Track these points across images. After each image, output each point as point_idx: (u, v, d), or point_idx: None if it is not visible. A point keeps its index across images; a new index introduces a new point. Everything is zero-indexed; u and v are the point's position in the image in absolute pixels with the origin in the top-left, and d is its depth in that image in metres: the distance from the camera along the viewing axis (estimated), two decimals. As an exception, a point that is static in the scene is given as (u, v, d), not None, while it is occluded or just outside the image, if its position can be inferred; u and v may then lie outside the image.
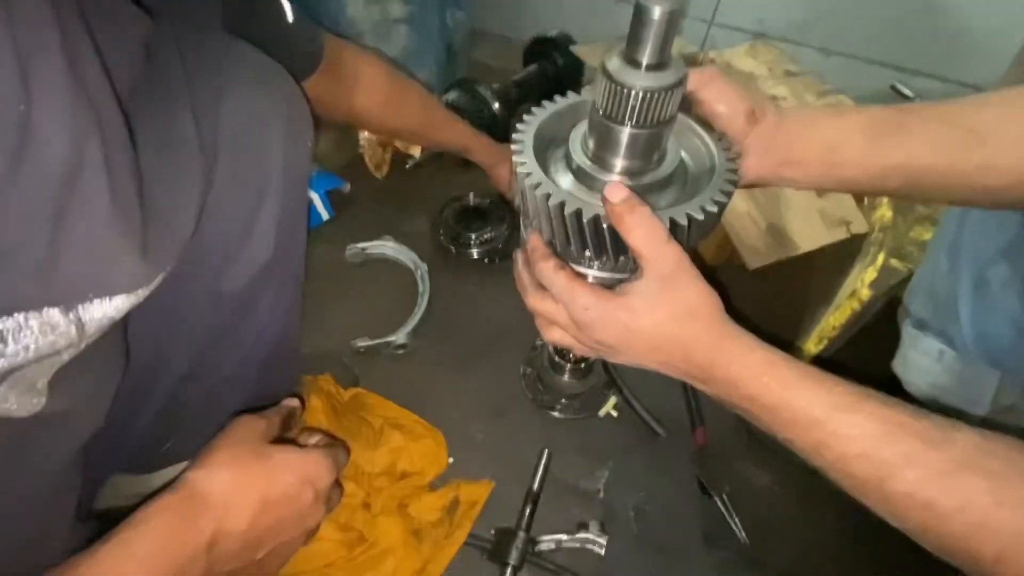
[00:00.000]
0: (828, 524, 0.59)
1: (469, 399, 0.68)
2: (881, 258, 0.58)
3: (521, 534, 0.55)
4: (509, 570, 0.53)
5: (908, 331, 0.55)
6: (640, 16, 0.30)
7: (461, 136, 0.75)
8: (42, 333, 0.26)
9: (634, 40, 0.32)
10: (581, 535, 0.55)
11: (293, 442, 0.45)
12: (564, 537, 0.55)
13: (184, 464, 0.54)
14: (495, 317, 0.76)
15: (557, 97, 0.42)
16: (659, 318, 0.33)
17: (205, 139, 0.34)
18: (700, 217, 0.34)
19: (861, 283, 0.57)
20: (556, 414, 0.67)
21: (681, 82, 0.33)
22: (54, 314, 0.26)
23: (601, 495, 0.60)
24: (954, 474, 0.25)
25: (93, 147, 0.24)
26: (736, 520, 0.57)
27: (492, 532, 0.56)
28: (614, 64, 0.33)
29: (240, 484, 0.37)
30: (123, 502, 0.54)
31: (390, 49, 0.94)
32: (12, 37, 0.21)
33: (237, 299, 0.43)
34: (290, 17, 0.47)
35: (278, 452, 0.40)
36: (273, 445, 0.41)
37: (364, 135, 0.88)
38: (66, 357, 0.28)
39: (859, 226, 0.65)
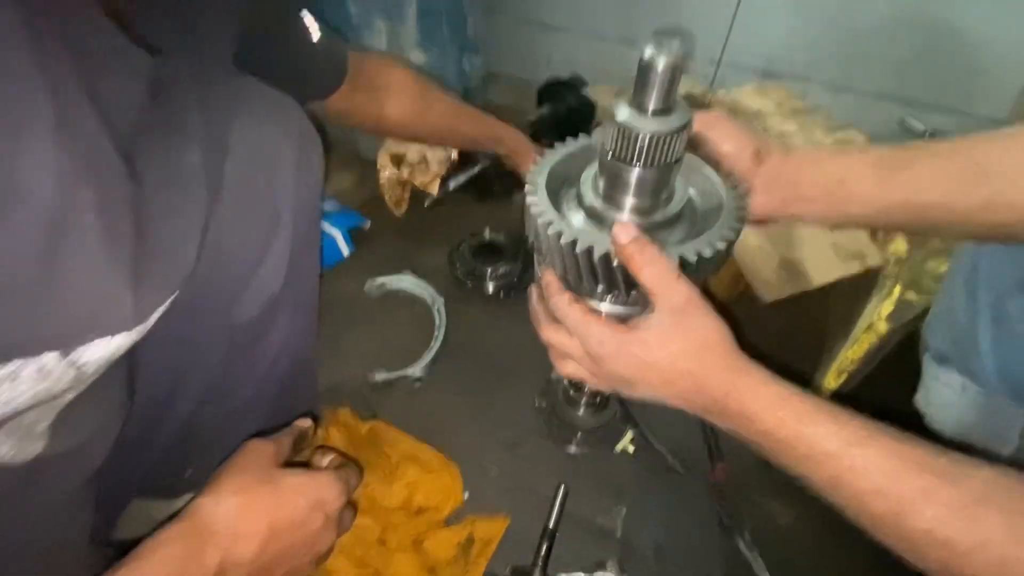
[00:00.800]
0: (852, 562, 0.57)
1: (485, 432, 0.68)
2: (897, 291, 0.58)
3: (537, 573, 0.54)
4: (525, 610, 0.52)
5: (929, 365, 0.54)
6: (645, 66, 0.32)
7: (492, 127, 0.77)
8: (40, 378, 0.25)
9: (641, 87, 0.34)
10: (599, 574, 0.54)
11: (306, 463, 0.46)
12: (581, 575, 0.54)
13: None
14: (510, 351, 0.77)
15: (569, 139, 0.44)
16: (672, 351, 0.34)
17: (212, 173, 0.35)
18: (709, 254, 0.35)
19: (878, 316, 0.57)
20: (572, 449, 0.67)
21: (686, 125, 0.35)
22: (51, 359, 0.26)
23: (619, 533, 0.59)
24: (972, 510, 0.25)
25: (83, 192, 0.24)
26: (759, 558, 0.55)
27: (508, 570, 0.55)
28: (622, 109, 0.35)
29: (247, 511, 0.37)
30: (142, 530, 0.55)
31: (410, 93, 0.99)
32: None
33: (250, 328, 0.44)
34: (315, 36, 0.50)
35: (287, 477, 0.40)
36: (282, 469, 0.41)
37: (384, 174, 0.91)
38: (69, 397, 0.29)
39: (873, 259, 0.65)
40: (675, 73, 0.32)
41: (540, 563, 0.55)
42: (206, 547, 0.35)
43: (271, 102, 0.42)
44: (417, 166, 0.92)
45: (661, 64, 0.32)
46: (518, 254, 0.87)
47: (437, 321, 0.79)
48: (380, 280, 0.85)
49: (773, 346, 0.63)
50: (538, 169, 0.41)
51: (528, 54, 1.25)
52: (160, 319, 0.32)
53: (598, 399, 0.65)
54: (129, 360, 0.39)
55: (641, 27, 1.11)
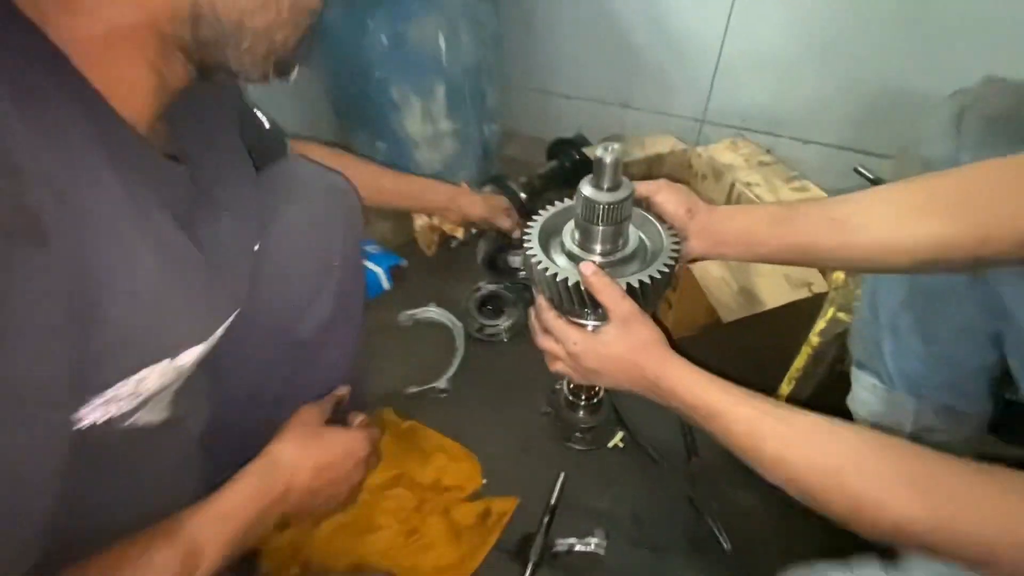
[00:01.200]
0: (804, 538, 0.68)
1: (499, 433, 0.83)
2: (831, 312, 0.71)
3: (540, 538, 0.67)
4: (530, 567, 0.65)
5: (853, 372, 0.67)
6: (599, 160, 0.49)
7: (410, 184, 0.88)
8: (158, 378, 0.37)
9: (597, 173, 0.50)
10: (588, 539, 0.67)
11: (344, 422, 0.59)
12: (574, 541, 0.68)
13: None
14: (521, 367, 0.92)
15: (556, 202, 0.61)
16: (622, 348, 0.49)
17: (257, 232, 0.50)
18: (648, 280, 0.51)
19: (813, 333, 0.71)
20: (571, 445, 0.81)
21: (629, 196, 0.51)
22: (165, 363, 0.37)
23: (607, 509, 0.73)
24: (802, 439, 0.39)
25: (170, 269, 0.35)
26: (722, 531, 0.68)
27: (518, 538, 0.69)
28: (587, 188, 0.51)
29: (302, 453, 0.50)
30: None
31: (439, 155, 1.18)
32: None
33: (309, 348, 0.58)
34: (267, 125, 0.60)
35: (329, 432, 0.54)
36: (326, 427, 0.55)
37: (418, 222, 1.10)
38: (175, 387, 0.42)
39: (819, 287, 0.79)
40: (618, 164, 0.49)
41: (543, 532, 0.68)
42: (276, 476, 0.48)
43: (322, 177, 0.58)
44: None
45: (609, 159, 0.49)
46: (518, 302, 1.00)
47: (458, 344, 0.95)
48: (410, 312, 1.02)
49: (748, 363, 0.76)
50: (534, 225, 0.58)
51: (540, 117, 1.45)
52: (237, 340, 0.46)
53: (594, 401, 0.80)
54: (213, 363, 0.48)
55: (635, 95, 1.30)
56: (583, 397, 0.81)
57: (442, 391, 0.88)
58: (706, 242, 0.56)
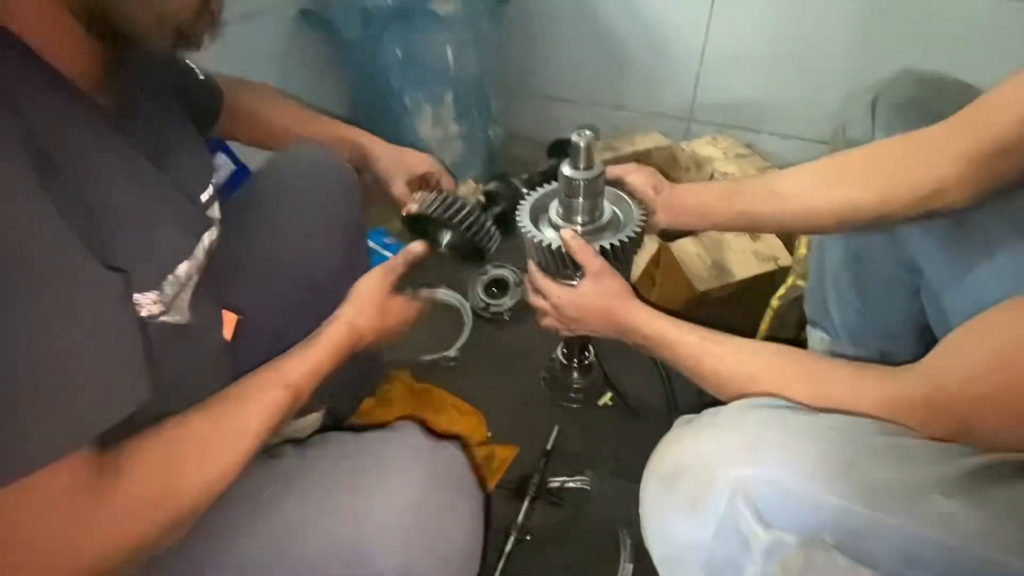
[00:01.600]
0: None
1: (502, 395, 0.93)
2: (791, 279, 0.81)
3: (537, 477, 0.78)
4: (528, 500, 0.76)
5: (807, 329, 0.77)
6: (575, 145, 0.60)
7: (337, 128, 0.79)
8: (191, 262, 0.46)
9: (574, 156, 0.62)
10: (577, 477, 0.78)
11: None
12: (566, 479, 0.78)
13: (315, 415, 0.82)
14: (522, 341, 1.03)
15: (544, 185, 0.72)
16: (595, 298, 0.60)
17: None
18: (617, 243, 0.61)
19: (775, 298, 0.81)
20: (566, 404, 0.91)
21: (601, 173, 0.62)
22: (185, 265, 0.45)
23: (595, 454, 0.83)
24: (730, 357, 0.49)
25: (148, 195, 0.42)
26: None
27: (518, 477, 0.79)
28: (566, 168, 0.63)
29: (369, 314, 0.59)
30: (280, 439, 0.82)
31: (449, 156, 1.30)
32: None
33: (323, 290, 0.64)
34: (201, 76, 0.68)
35: (389, 300, 0.62)
36: (388, 295, 0.62)
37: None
38: (191, 284, 0.47)
39: (785, 260, 0.89)
40: (590, 148, 0.60)
41: (540, 472, 0.79)
42: (355, 323, 0.57)
43: (325, 157, 0.67)
44: (453, 208, 1.23)
45: (583, 143, 0.60)
46: (520, 283, 1.12)
47: (465, 320, 1.07)
48: (424, 292, 1.13)
49: (726, 327, 0.85)
50: (526, 204, 0.69)
51: (541, 120, 1.56)
52: (264, 286, 0.60)
53: (586, 362, 0.90)
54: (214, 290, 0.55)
55: (626, 97, 1.41)
56: (575, 360, 0.91)
57: (452, 359, 0.99)
58: (669, 214, 0.67)
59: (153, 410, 0.37)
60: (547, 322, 0.68)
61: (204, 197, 0.53)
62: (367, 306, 0.60)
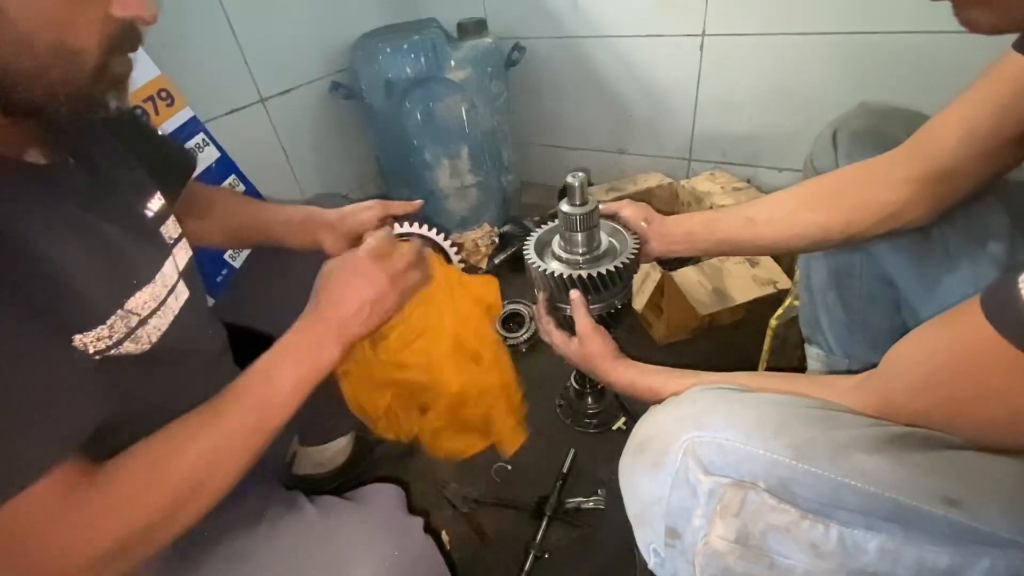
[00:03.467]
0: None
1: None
2: (788, 300, 0.86)
3: (554, 498, 0.81)
4: (545, 520, 0.79)
5: (805, 346, 0.80)
6: (570, 185, 0.68)
7: (280, 212, 0.71)
8: (124, 320, 0.43)
9: (571, 194, 0.69)
10: (593, 498, 0.81)
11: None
12: (582, 499, 0.81)
13: (344, 439, 0.87)
14: (538, 371, 1.08)
15: (548, 222, 0.80)
16: (581, 356, 0.67)
17: None
18: (612, 269, 0.68)
19: (773, 319, 0.85)
20: (581, 429, 0.95)
21: (595, 209, 0.69)
22: (146, 290, 0.45)
23: (609, 477, 0.86)
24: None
25: (88, 244, 0.40)
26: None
27: (535, 499, 0.83)
28: (564, 206, 0.70)
29: (335, 291, 0.52)
30: (312, 470, 0.88)
31: (466, 203, 1.41)
32: None
33: None
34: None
35: (353, 263, 0.54)
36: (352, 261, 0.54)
37: (449, 257, 1.31)
38: (162, 310, 0.47)
39: (784, 283, 0.94)
40: (584, 187, 0.68)
41: (556, 493, 0.82)
42: (320, 314, 0.51)
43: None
44: (471, 250, 1.32)
45: (576, 183, 0.68)
46: (535, 319, 1.18)
47: (487, 352, 1.13)
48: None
49: (732, 356, 0.88)
50: (532, 238, 0.77)
51: (550, 167, 1.68)
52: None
53: (598, 388, 0.95)
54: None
55: (629, 142, 1.51)
56: (588, 386, 0.96)
57: (471, 391, 1.05)
58: (661, 243, 0.73)
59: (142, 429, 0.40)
60: (552, 345, 0.75)
61: (150, 213, 0.51)
62: (326, 285, 0.53)
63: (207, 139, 1.06)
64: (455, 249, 0.70)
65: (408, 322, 0.63)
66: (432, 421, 0.68)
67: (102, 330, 0.41)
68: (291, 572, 0.45)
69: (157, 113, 0.99)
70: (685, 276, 0.97)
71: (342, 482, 0.88)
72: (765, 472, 0.36)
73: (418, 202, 0.73)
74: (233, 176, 1.12)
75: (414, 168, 1.35)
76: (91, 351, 0.40)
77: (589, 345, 0.66)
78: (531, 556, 0.75)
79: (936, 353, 0.37)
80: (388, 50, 1.21)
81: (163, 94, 0.99)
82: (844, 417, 0.39)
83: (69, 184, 0.43)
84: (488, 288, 0.72)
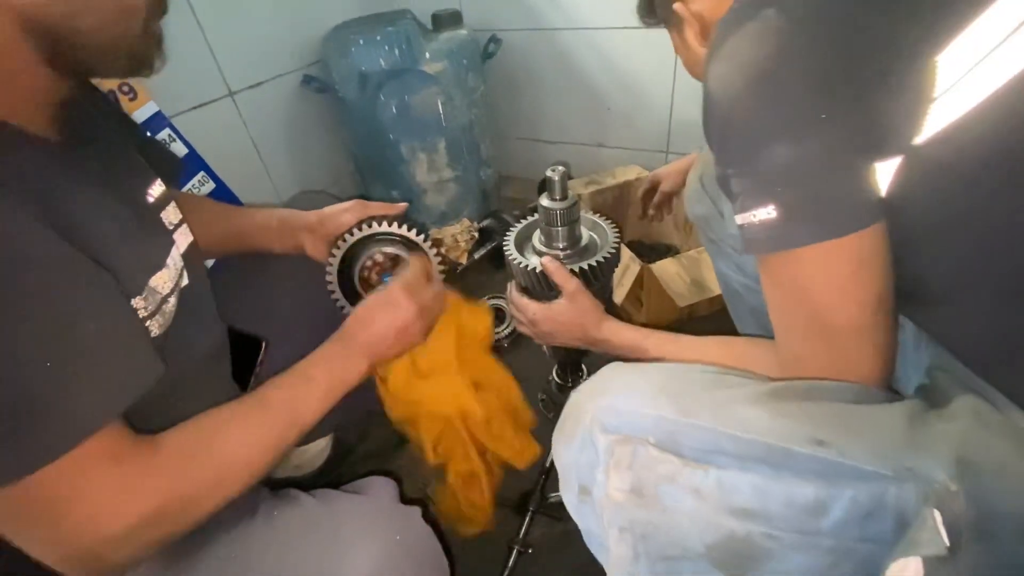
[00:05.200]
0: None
1: (503, 418, 0.98)
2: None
3: (537, 493, 0.81)
4: (528, 515, 0.79)
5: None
6: (550, 179, 0.68)
7: (256, 217, 0.71)
8: (166, 271, 0.46)
9: (550, 189, 0.69)
10: (576, 490, 0.81)
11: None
12: (565, 492, 0.81)
13: (323, 440, 0.86)
14: (520, 365, 1.08)
15: (528, 216, 0.79)
16: (571, 315, 0.66)
17: None
18: (588, 267, 0.68)
19: (750, 309, 0.86)
20: (563, 423, 0.95)
21: (575, 203, 0.69)
22: (160, 274, 0.45)
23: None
24: (684, 350, 0.55)
25: (113, 220, 0.42)
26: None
27: (518, 495, 0.83)
28: (544, 200, 0.70)
29: (365, 313, 0.56)
30: (292, 472, 0.86)
31: (444, 198, 1.40)
32: None
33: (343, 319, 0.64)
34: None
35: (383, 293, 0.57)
36: (389, 296, 0.57)
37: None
38: (174, 294, 0.47)
39: (760, 275, 0.95)
40: (564, 181, 0.68)
41: (539, 488, 0.82)
42: (350, 331, 0.54)
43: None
44: (451, 245, 1.31)
45: (557, 177, 0.68)
46: None
47: (468, 349, 1.12)
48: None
49: None
50: (512, 233, 0.76)
51: (530, 161, 1.67)
52: (289, 324, 0.62)
53: (580, 381, 0.95)
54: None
55: (607, 135, 1.51)
56: (569, 380, 0.96)
57: (453, 388, 1.04)
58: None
59: (153, 409, 0.40)
60: (525, 330, 0.74)
61: (151, 198, 0.51)
62: (358, 311, 0.57)
63: (173, 134, 1.02)
64: (434, 250, 0.69)
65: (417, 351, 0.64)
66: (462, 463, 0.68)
67: (138, 300, 0.42)
68: (293, 555, 0.46)
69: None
70: (664, 268, 0.98)
71: (322, 485, 0.86)
72: (654, 427, 0.40)
73: (401, 205, 0.72)
74: (202, 173, 1.08)
75: (390, 162, 1.33)
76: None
77: (581, 300, 0.66)
78: (514, 551, 0.75)
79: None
80: (361, 42, 1.18)
81: (125, 87, 0.95)
82: (731, 379, 0.44)
83: (89, 165, 0.44)
84: (481, 320, 0.72)
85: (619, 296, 1.04)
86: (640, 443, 0.40)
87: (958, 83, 0.35)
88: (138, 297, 0.42)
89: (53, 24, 0.36)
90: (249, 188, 1.20)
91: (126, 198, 0.46)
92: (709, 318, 1.04)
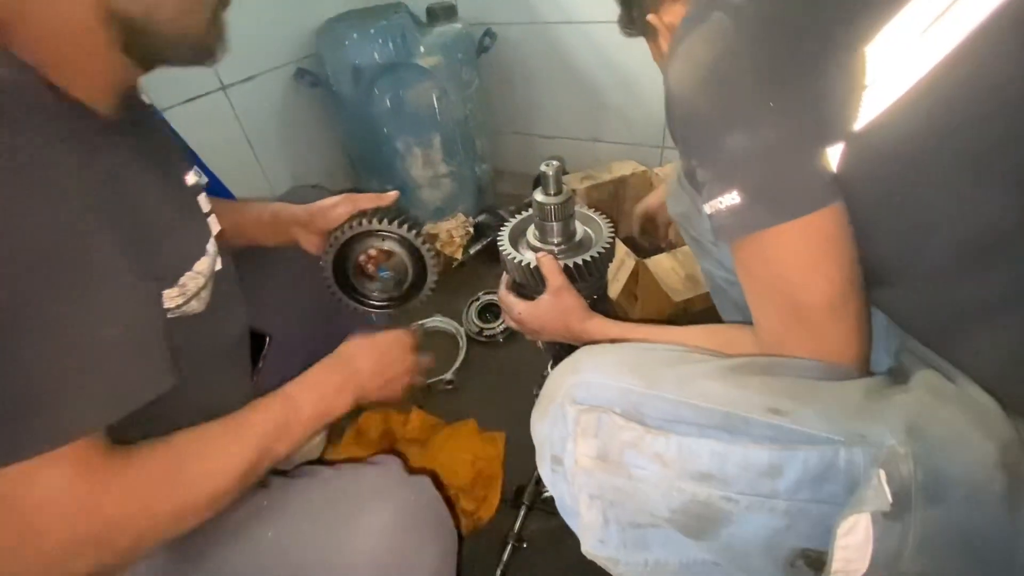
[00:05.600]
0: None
1: (498, 413, 0.98)
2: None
3: (532, 487, 0.82)
4: (523, 509, 0.79)
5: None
6: (544, 174, 0.68)
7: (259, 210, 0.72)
8: (205, 263, 0.47)
9: (544, 183, 0.69)
10: (571, 484, 0.81)
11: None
12: (560, 487, 0.82)
13: (318, 435, 0.85)
14: (515, 361, 1.08)
15: (523, 211, 0.79)
16: (555, 312, 0.66)
17: None
18: (582, 263, 0.67)
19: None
20: (558, 418, 0.95)
21: (570, 198, 0.69)
22: (204, 260, 0.47)
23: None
24: (664, 336, 0.56)
25: (168, 198, 0.45)
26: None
27: (515, 488, 0.83)
28: (538, 195, 0.70)
29: (360, 344, 0.59)
30: (284, 466, 0.86)
31: (440, 193, 1.39)
32: None
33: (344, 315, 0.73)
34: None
35: (377, 334, 0.61)
36: (374, 340, 0.60)
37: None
38: (212, 276, 0.49)
39: (754, 271, 0.95)
40: (558, 176, 0.68)
41: (534, 482, 0.83)
42: (344, 359, 0.57)
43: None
44: (446, 241, 1.30)
45: (551, 172, 0.67)
46: None
47: (461, 344, 1.12)
48: (420, 322, 1.20)
49: None
50: (506, 228, 0.76)
51: (525, 155, 1.66)
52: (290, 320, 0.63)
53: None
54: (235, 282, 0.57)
55: (603, 130, 1.51)
56: (564, 376, 0.96)
57: (448, 382, 1.04)
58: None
59: (178, 398, 0.40)
60: (514, 326, 0.75)
61: (190, 182, 0.54)
62: (353, 340, 0.60)
63: (165, 128, 1.01)
64: (427, 246, 0.69)
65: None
66: None
67: (178, 288, 0.44)
68: (306, 517, 0.47)
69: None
70: (659, 263, 0.98)
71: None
72: (620, 399, 0.42)
73: (391, 195, 0.72)
74: (195, 167, 1.07)
75: (385, 157, 1.32)
76: (167, 306, 0.43)
77: (565, 298, 0.66)
78: (509, 546, 0.76)
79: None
80: (355, 35, 1.17)
81: (115, 80, 0.94)
82: (695, 356, 0.47)
83: (147, 148, 0.46)
84: (495, 446, 0.88)
85: (614, 291, 1.04)
86: (605, 412, 0.42)
87: (887, 72, 0.38)
88: (183, 278, 0.44)
89: (132, 13, 0.38)
90: (242, 182, 1.19)
91: (176, 183, 0.49)
92: (705, 312, 1.04)
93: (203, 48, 0.44)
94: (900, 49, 0.37)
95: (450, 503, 0.59)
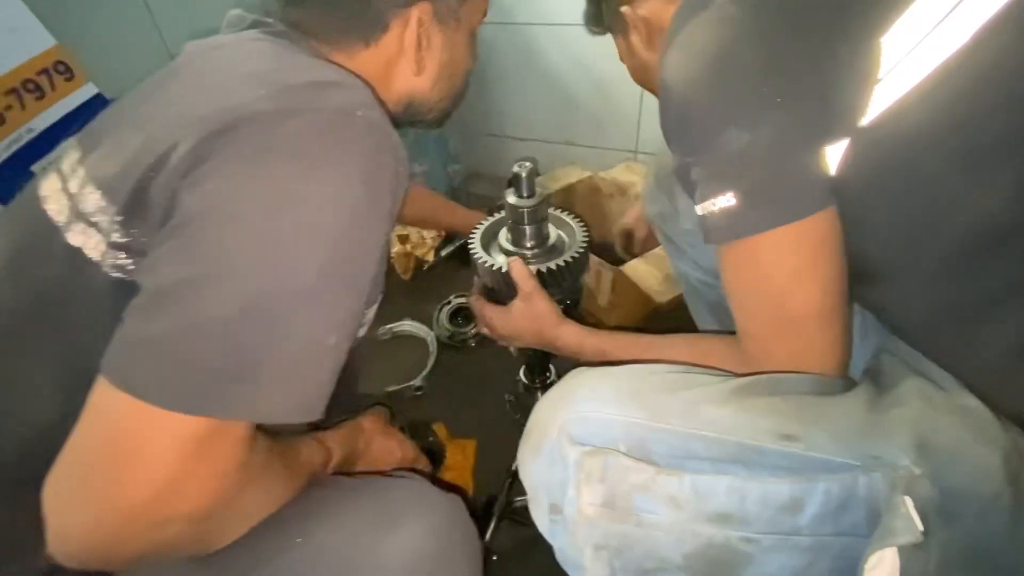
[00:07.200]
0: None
1: (469, 419, 0.95)
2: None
3: (503, 497, 0.79)
4: (494, 520, 0.77)
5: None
6: (516, 176, 0.66)
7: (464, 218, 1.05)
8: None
9: (517, 185, 0.67)
10: (542, 493, 0.80)
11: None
12: (531, 496, 0.80)
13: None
14: (487, 366, 1.06)
15: (495, 214, 0.77)
16: (526, 318, 0.65)
17: None
18: (555, 268, 0.66)
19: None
20: (530, 425, 0.94)
21: (542, 201, 0.67)
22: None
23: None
24: (642, 349, 0.54)
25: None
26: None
27: (484, 497, 0.81)
28: (511, 197, 0.68)
29: (375, 427, 0.64)
30: None
31: (410, 193, 1.36)
32: None
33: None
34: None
35: (386, 435, 0.66)
36: (387, 428, 0.67)
37: (394, 249, 1.26)
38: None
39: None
40: (532, 178, 0.66)
41: (504, 492, 0.81)
42: (358, 437, 0.61)
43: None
44: (417, 242, 1.27)
45: (524, 174, 0.66)
46: None
47: (431, 349, 1.09)
48: (389, 326, 1.16)
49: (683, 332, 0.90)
50: (477, 231, 0.74)
51: (499, 157, 1.64)
52: None
53: (548, 383, 0.94)
54: None
55: (576, 134, 1.51)
56: (537, 381, 0.94)
57: (418, 388, 1.01)
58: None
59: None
60: (486, 332, 0.73)
61: None
62: (373, 420, 0.66)
63: (115, 119, 0.95)
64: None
65: None
66: None
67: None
68: (336, 530, 0.45)
69: (54, 88, 0.87)
70: (635, 268, 0.97)
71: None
72: (624, 435, 0.39)
73: None
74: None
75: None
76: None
77: (537, 303, 0.64)
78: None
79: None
80: (323, 29, 1.13)
81: (60, 67, 0.88)
82: (697, 377, 0.44)
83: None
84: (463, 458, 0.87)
85: (602, 303, 1.03)
86: (611, 453, 0.38)
87: (900, 64, 0.36)
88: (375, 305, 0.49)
89: (425, 102, 0.57)
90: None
91: None
92: (676, 308, 1.03)
93: (444, 118, 0.62)
94: (913, 41, 0.35)
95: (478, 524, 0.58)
